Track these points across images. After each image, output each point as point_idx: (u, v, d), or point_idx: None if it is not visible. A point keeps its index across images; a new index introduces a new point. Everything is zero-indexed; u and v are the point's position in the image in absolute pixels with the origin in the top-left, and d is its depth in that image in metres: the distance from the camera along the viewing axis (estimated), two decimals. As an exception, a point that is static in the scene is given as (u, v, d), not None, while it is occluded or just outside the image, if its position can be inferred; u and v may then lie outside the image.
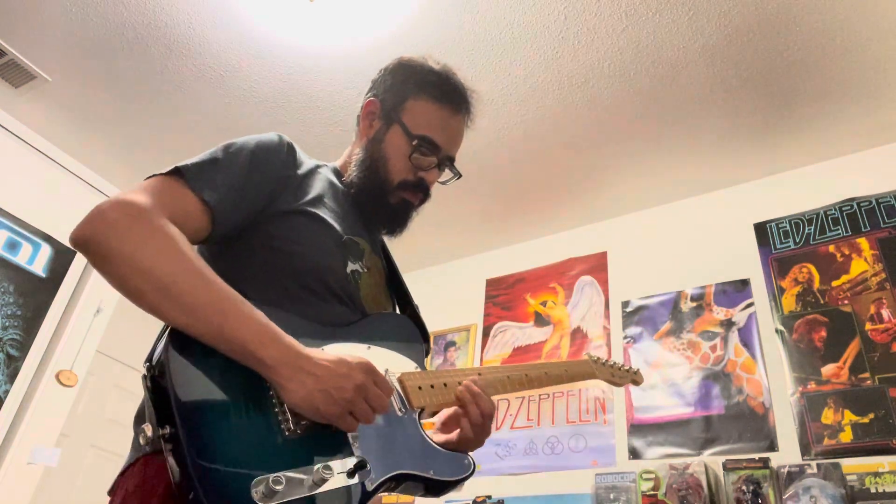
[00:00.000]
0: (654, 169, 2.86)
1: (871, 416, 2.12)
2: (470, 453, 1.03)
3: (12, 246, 2.76)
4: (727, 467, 2.22)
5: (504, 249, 3.53)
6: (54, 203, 2.94)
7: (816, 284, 2.47)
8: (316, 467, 0.78)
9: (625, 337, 2.82)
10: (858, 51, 2.23)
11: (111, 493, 0.88)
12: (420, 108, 1.13)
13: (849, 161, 2.68)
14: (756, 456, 2.22)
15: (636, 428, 2.56)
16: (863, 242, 2.45)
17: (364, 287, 1.07)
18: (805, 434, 2.21)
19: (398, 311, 1.21)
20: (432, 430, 1.07)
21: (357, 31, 2.34)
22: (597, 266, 3.11)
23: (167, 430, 0.73)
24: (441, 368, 1.10)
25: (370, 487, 0.83)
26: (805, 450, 2.18)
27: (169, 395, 0.74)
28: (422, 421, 1.00)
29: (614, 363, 1.56)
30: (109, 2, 2.31)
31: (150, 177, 0.91)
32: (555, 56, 2.37)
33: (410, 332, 1.11)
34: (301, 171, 1.06)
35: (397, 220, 1.15)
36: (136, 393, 2.96)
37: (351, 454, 0.83)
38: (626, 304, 2.90)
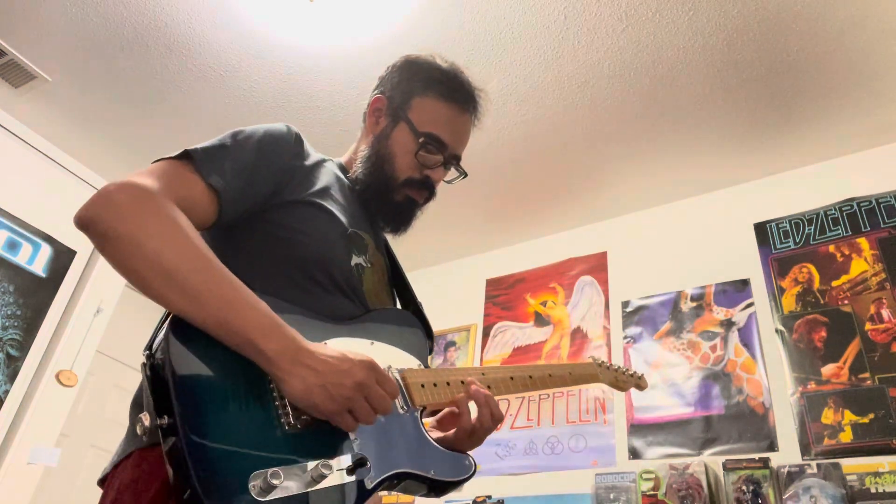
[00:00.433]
0: (654, 169, 2.86)
1: (871, 416, 2.12)
2: (470, 453, 1.02)
3: (12, 246, 2.76)
4: (727, 467, 2.22)
5: (504, 249, 3.53)
6: (54, 203, 2.94)
7: (816, 284, 2.47)
8: (315, 463, 0.77)
9: (625, 337, 2.82)
10: (858, 51, 2.23)
11: (102, 483, 0.87)
12: (427, 106, 1.13)
13: (849, 161, 2.68)
14: (756, 456, 2.22)
15: (636, 428, 2.56)
16: (863, 242, 2.45)
17: (367, 282, 1.06)
18: (805, 434, 2.21)
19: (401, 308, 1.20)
20: (428, 429, 1.06)
21: (357, 31, 2.34)
22: (597, 266, 3.11)
23: (165, 420, 0.71)
24: (441, 368, 1.09)
25: (369, 486, 0.82)
26: (805, 450, 2.18)
27: (168, 385, 0.73)
28: (425, 420, 0.99)
29: (619, 367, 1.55)
30: (109, 2, 2.31)
31: (158, 160, 0.90)
32: (555, 56, 2.37)
33: (414, 328, 1.09)
34: (308, 162, 1.05)
35: (401, 218, 1.14)
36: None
37: (351, 451, 0.82)
38: (626, 304, 2.90)
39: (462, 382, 1.05)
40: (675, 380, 2.58)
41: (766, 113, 2.52)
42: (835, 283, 2.43)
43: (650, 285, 2.88)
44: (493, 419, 1.01)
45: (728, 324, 2.59)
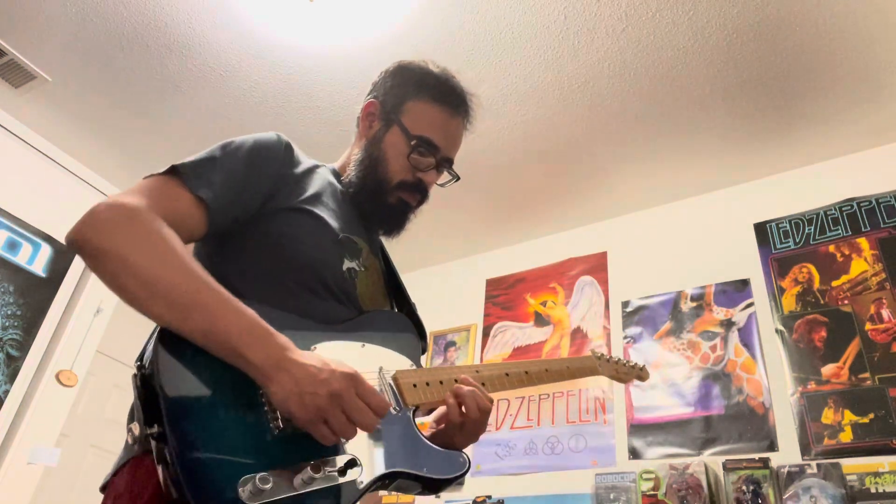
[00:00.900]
0: (654, 169, 2.87)
1: (871, 416, 2.12)
2: (468, 453, 1.02)
3: (12, 246, 2.76)
4: (727, 467, 2.22)
5: (504, 249, 3.53)
6: (54, 203, 2.94)
7: (816, 284, 2.47)
8: (305, 465, 0.77)
9: (625, 337, 2.82)
10: (858, 51, 2.23)
11: (103, 490, 0.89)
12: (419, 110, 1.14)
13: (849, 161, 2.68)
14: (756, 456, 2.22)
15: (636, 428, 2.56)
16: (863, 242, 2.45)
17: (361, 285, 1.06)
18: (805, 434, 2.21)
19: (396, 311, 1.21)
20: (427, 429, 1.07)
21: (357, 31, 2.34)
22: (597, 266, 3.12)
23: (155, 428, 0.73)
24: (435, 367, 1.09)
25: (360, 486, 0.83)
26: (805, 450, 2.18)
27: (157, 394, 0.74)
28: (418, 419, 1.00)
29: (619, 359, 1.55)
30: (109, 2, 2.31)
31: (147, 177, 0.92)
32: (555, 56, 2.37)
33: (407, 329, 1.10)
34: (298, 169, 1.06)
35: (395, 220, 1.15)
36: (136, 393, 2.96)
37: (342, 452, 0.83)
38: (626, 304, 2.90)
39: (455, 381, 1.06)
40: (675, 380, 2.58)
41: (766, 113, 2.52)
42: (835, 283, 2.43)
43: (650, 285, 2.88)
44: (480, 410, 1.01)
45: (728, 324, 2.59)
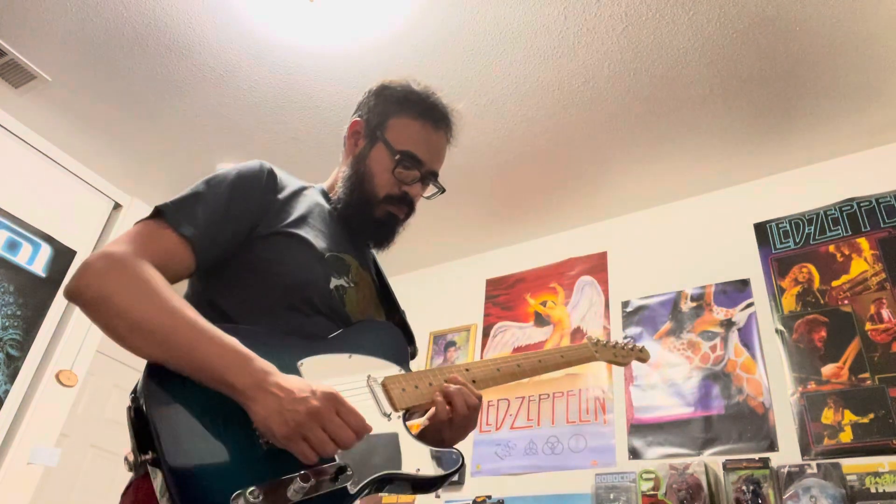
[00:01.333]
0: (653, 169, 2.87)
1: (871, 416, 2.12)
2: (467, 453, 1.03)
3: (12, 246, 2.76)
4: (727, 467, 2.23)
5: (504, 249, 3.53)
6: (54, 203, 2.94)
7: (816, 284, 2.47)
8: (295, 476, 0.79)
9: (625, 337, 2.82)
10: (858, 51, 2.23)
11: None
12: (402, 125, 1.18)
13: (849, 161, 2.68)
14: (756, 456, 2.22)
15: (636, 428, 2.56)
16: (863, 242, 2.45)
17: (350, 302, 1.09)
18: (805, 434, 2.21)
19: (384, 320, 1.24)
20: (418, 428, 1.08)
21: (357, 31, 2.34)
22: (597, 266, 3.12)
23: (149, 455, 0.78)
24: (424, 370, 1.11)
25: (353, 490, 0.85)
26: (805, 450, 2.18)
27: (148, 422, 0.79)
28: (413, 422, 1.02)
29: (616, 342, 1.55)
30: (109, 2, 2.31)
31: (137, 222, 0.98)
32: (555, 56, 2.37)
33: (394, 336, 1.13)
34: (283, 195, 1.10)
35: (383, 233, 1.19)
36: (136, 393, 2.96)
37: (331, 460, 0.84)
38: (626, 304, 2.90)
39: (445, 381, 1.08)
40: (675, 380, 2.58)
41: (766, 113, 2.52)
42: (835, 283, 2.43)
43: (650, 285, 2.88)
44: (468, 407, 1.05)
45: (728, 324, 2.59)
